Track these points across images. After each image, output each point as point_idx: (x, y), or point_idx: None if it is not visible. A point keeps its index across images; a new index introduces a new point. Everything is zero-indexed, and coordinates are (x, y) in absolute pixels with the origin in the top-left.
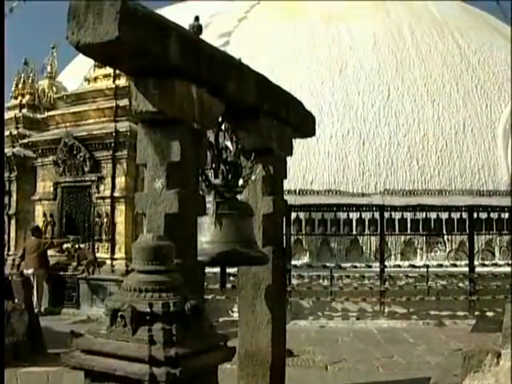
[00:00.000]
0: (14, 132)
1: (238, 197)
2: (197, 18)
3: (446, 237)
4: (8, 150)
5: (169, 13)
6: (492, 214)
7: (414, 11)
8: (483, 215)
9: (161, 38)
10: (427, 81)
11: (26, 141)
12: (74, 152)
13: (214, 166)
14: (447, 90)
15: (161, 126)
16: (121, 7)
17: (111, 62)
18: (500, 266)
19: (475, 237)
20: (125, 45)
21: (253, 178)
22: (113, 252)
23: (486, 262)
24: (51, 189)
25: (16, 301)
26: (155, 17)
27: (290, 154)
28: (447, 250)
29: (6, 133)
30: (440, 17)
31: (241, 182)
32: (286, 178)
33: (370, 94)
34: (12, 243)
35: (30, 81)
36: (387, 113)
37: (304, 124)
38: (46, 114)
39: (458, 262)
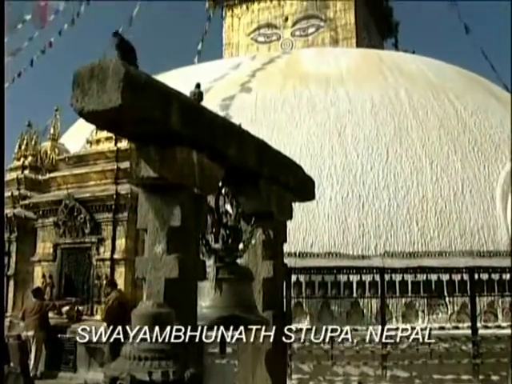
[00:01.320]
0: (16, 193)
1: (238, 261)
2: (198, 85)
3: (447, 299)
4: (9, 211)
5: (171, 78)
6: (493, 275)
7: (411, 75)
8: (484, 276)
9: (163, 105)
10: (425, 143)
11: (27, 202)
12: (75, 214)
13: (214, 230)
14: (445, 151)
15: (162, 191)
16: (124, 75)
17: (114, 129)
18: (503, 328)
19: (477, 298)
20: (127, 112)
21: (253, 242)
22: None
23: (489, 324)
24: (51, 250)
25: (12, 364)
26: (157, 84)
27: (290, 217)
28: (449, 312)
29: (8, 194)
30: (436, 80)
31: (241, 246)
32: (286, 241)
33: (368, 157)
34: (10, 304)
35: (32, 143)
36: (386, 175)
37: (304, 188)
38: (48, 175)
39: (460, 325)
